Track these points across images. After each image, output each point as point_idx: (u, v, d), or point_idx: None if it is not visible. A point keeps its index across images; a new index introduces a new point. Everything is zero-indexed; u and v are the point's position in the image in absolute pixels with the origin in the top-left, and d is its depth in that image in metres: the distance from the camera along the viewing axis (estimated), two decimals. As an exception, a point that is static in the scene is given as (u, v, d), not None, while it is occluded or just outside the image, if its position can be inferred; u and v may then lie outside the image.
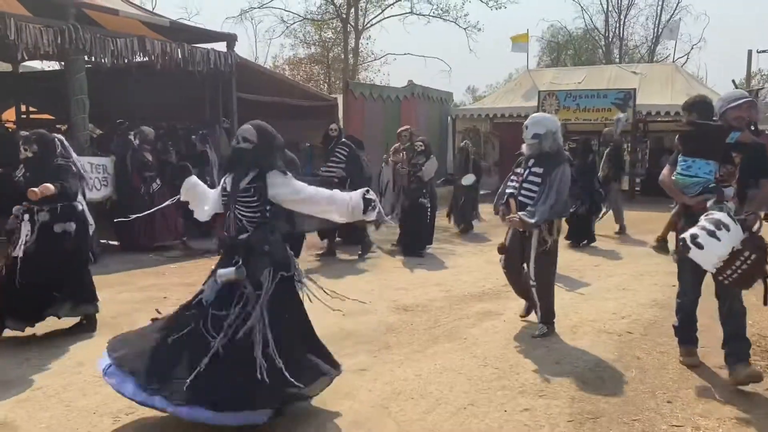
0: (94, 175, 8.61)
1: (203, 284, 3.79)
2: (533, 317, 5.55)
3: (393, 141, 15.33)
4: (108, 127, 12.35)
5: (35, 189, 4.92)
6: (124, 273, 7.78)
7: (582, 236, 9.79)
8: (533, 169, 5.13)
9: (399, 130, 10.54)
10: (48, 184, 4.99)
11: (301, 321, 3.90)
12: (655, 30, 36.71)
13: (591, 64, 29.65)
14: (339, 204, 3.71)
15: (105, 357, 3.59)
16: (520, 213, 5.05)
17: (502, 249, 5.48)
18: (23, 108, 14.81)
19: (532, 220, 4.99)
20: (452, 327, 5.58)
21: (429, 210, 8.95)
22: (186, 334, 3.52)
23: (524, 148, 5.27)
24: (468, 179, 10.95)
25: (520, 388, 4.23)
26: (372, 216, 3.69)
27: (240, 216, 3.70)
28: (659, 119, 16.83)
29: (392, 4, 31.45)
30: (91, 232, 8.02)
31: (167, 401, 3.32)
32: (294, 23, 32.27)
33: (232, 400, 3.34)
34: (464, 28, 31.16)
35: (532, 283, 5.20)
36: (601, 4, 38.12)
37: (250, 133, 3.71)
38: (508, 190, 5.29)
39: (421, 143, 8.98)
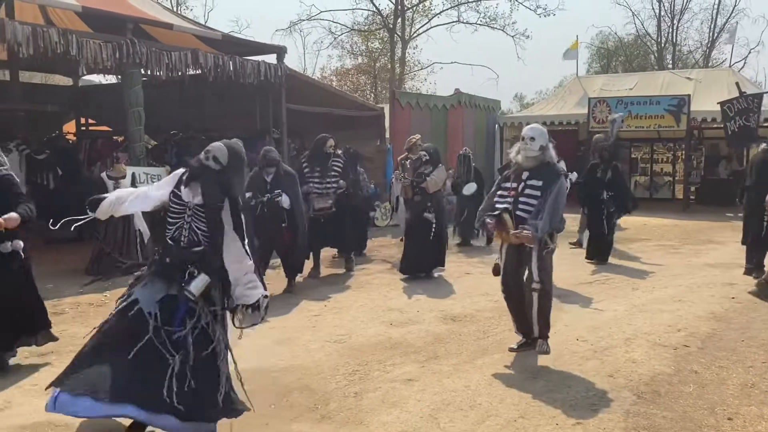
0: (150, 185, 8.85)
1: (128, 291, 3.69)
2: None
3: (441, 150, 15.35)
4: (162, 138, 12.74)
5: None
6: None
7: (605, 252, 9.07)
8: (530, 182, 4.86)
9: (410, 140, 9.45)
10: (12, 215, 4.47)
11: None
12: (711, 34, 35.65)
13: (643, 71, 29.01)
14: (241, 270, 3.57)
15: (52, 395, 3.48)
16: (525, 228, 4.72)
17: (497, 270, 5.09)
18: (83, 120, 15.38)
19: (538, 235, 4.74)
20: (501, 338, 5.51)
21: (434, 226, 7.91)
22: (141, 348, 3.41)
23: (521, 159, 4.94)
24: (469, 188, 10.38)
25: (571, 401, 4.15)
26: (246, 321, 3.65)
27: (196, 229, 3.59)
28: (715, 126, 16.31)
29: (439, 13, 31.51)
30: (146, 240, 8.33)
31: (139, 409, 3.33)
32: (342, 34, 32.66)
33: (200, 411, 3.43)
34: (512, 36, 30.96)
35: (535, 286, 4.89)
36: (653, 9, 37.19)
37: (221, 153, 3.61)
38: (499, 205, 4.92)
39: (425, 152, 8.03)
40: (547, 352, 4.95)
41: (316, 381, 4.52)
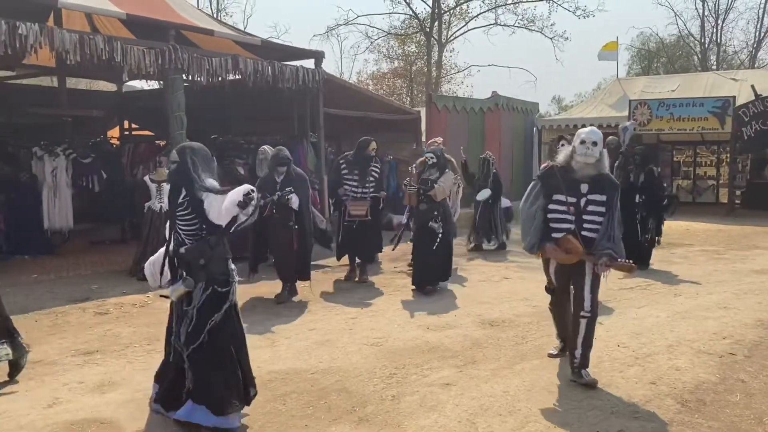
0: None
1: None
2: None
3: (477, 153, 15.27)
4: (203, 142, 12.93)
5: None
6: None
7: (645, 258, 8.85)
8: (592, 197, 4.34)
9: (428, 143, 9.20)
10: None
11: (233, 335, 3.93)
12: (757, 34, 34.70)
13: (685, 72, 28.36)
14: (230, 200, 3.66)
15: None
16: (602, 253, 4.28)
17: (550, 288, 4.83)
18: (126, 125, 15.75)
19: (621, 261, 4.29)
20: (540, 343, 5.44)
21: (440, 236, 7.35)
22: (173, 351, 3.83)
23: (577, 167, 4.38)
24: (483, 194, 10.19)
25: (612, 408, 4.08)
26: (247, 211, 3.65)
27: (179, 230, 3.81)
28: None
29: (476, 16, 31.36)
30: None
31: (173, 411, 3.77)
32: (378, 38, 32.75)
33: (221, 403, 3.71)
34: (550, 38, 30.61)
35: (585, 314, 4.43)
36: (696, 9, 36.46)
37: (173, 155, 3.90)
38: (559, 224, 4.39)
39: (432, 155, 7.45)
40: (595, 383, 4.42)
41: (353, 383, 4.53)
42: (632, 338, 5.55)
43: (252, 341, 5.51)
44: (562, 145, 7.99)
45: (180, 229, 3.80)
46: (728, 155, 16.83)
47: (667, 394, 4.29)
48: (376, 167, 8.08)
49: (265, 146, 8.46)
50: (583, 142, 4.36)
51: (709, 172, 18.69)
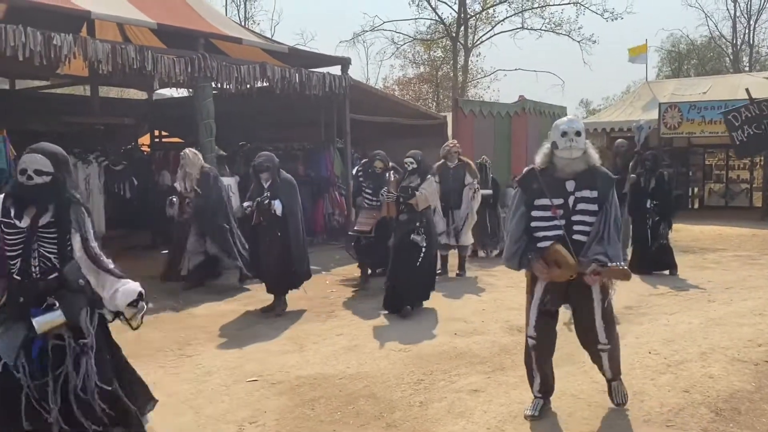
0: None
1: None
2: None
3: (504, 158, 15.19)
4: (231, 149, 13.11)
5: None
6: (247, 286, 8.15)
7: (663, 263, 8.65)
8: (581, 194, 3.69)
9: (447, 148, 8.92)
10: None
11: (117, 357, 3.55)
12: (791, 34, 33.94)
13: (717, 74, 27.87)
14: (99, 278, 3.18)
15: None
16: (595, 260, 3.58)
17: (544, 310, 3.96)
18: (156, 132, 16.01)
19: (621, 266, 3.57)
20: (570, 350, 5.35)
21: (424, 250, 6.61)
22: (27, 408, 3.11)
23: (561, 163, 3.75)
24: (485, 193, 9.76)
25: (644, 416, 4.01)
26: (137, 316, 3.20)
27: (46, 254, 3.18)
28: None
29: (502, 20, 31.26)
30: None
31: None
32: (404, 44, 32.84)
33: None
34: (578, 41, 30.37)
35: (603, 347, 3.87)
36: (727, 9, 35.82)
37: (42, 164, 3.18)
38: (544, 232, 3.73)
39: (411, 159, 6.73)
40: (626, 400, 4.07)
41: (381, 389, 4.54)
42: (664, 345, 5.46)
43: (279, 346, 5.59)
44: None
45: (48, 252, 3.18)
46: (762, 158, 16.48)
47: (701, 402, 4.21)
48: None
49: (186, 150, 7.93)
50: (564, 133, 3.69)
51: (742, 176, 18.32)
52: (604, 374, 4.10)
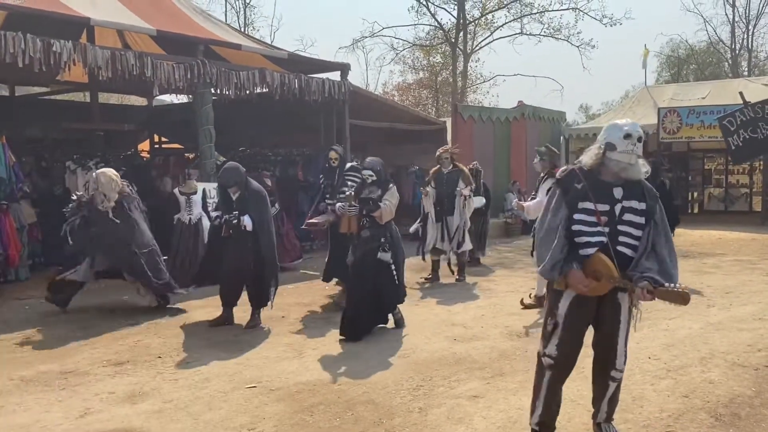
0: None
1: None
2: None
3: (504, 163, 15.22)
4: (231, 155, 13.13)
5: None
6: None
7: None
8: (628, 203, 3.37)
9: (438, 153, 8.86)
10: None
11: None
12: (790, 39, 34.03)
13: (716, 79, 27.93)
14: None
15: None
16: (643, 277, 3.24)
17: (555, 328, 3.52)
18: (156, 138, 16.03)
19: (671, 287, 3.22)
20: (569, 355, 5.37)
21: (393, 268, 6.04)
22: None
23: (620, 167, 3.38)
24: (478, 201, 9.59)
25: (644, 422, 4.00)
26: None
27: None
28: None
29: (501, 26, 31.32)
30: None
31: None
32: (403, 50, 32.89)
33: None
34: (577, 46, 30.42)
35: (615, 375, 3.53)
36: (726, 15, 35.87)
37: None
38: (589, 238, 3.36)
39: (370, 171, 6.11)
40: None
41: (380, 395, 4.52)
42: (664, 350, 5.45)
43: (278, 352, 5.57)
44: (536, 158, 7.33)
45: None
46: (761, 162, 16.49)
47: (701, 407, 4.20)
48: (351, 176, 6.82)
49: (98, 173, 7.20)
50: (628, 135, 3.33)
51: (741, 180, 18.34)
52: (597, 414, 3.67)
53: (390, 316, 6.31)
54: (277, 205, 9.60)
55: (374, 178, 6.12)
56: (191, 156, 12.73)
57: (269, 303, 6.52)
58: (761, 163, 16.59)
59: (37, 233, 9.56)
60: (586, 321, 3.45)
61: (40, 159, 11.06)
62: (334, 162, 7.50)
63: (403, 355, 5.44)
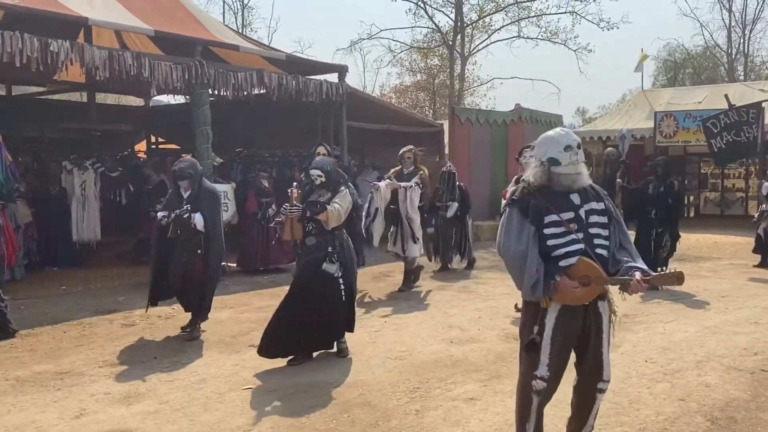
0: (216, 201, 9.09)
1: None
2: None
3: (500, 166, 15.23)
4: (228, 155, 13.14)
5: None
6: (242, 294, 8.15)
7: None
8: (588, 206, 3.33)
9: (401, 152, 8.44)
10: None
11: None
12: (786, 44, 34.20)
13: (712, 83, 28.02)
14: None
15: None
16: (639, 274, 3.19)
17: (533, 347, 3.34)
18: (153, 138, 16.01)
19: (664, 272, 3.33)
20: (565, 358, 5.37)
21: (341, 283, 5.28)
22: None
23: (570, 180, 3.33)
24: (451, 210, 9.37)
25: (640, 425, 4.01)
26: None
27: None
28: (792, 139, 15.54)
29: (499, 29, 31.33)
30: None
31: None
32: (401, 52, 32.90)
33: None
34: (574, 50, 30.45)
35: (603, 386, 3.43)
36: (722, 19, 35.98)
37: None
38: (567, 248, 3.26)
39: (319, 171, 5.32)
40: None
41: (377, 397, 4.52)
42: (660, 353, 5.46)
43: (276, 354, 5.55)
44: (531, 157, 7.37)
45: None
46: (757, 167, 16.54)
47: (697, 411, 4.21)
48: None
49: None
50: (568, 147, 3.30)
51: (737, 185, 18.40)
52: (583, 428, 3.56)
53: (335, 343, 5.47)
54: (273, 206, 9.60)
55: (323, 179, 5.32)
56: (188, 157, 12.71)
57: (207, 315, 6.26)
58: (756, 167, 16.64)
59: (32, 232, 9.54)
60: (574, 335, 3.32)
61: (37, 159, 11.04)
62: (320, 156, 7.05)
63: (399, 357, 5.44)
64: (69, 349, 5.76)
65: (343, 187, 5.41)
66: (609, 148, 10.13)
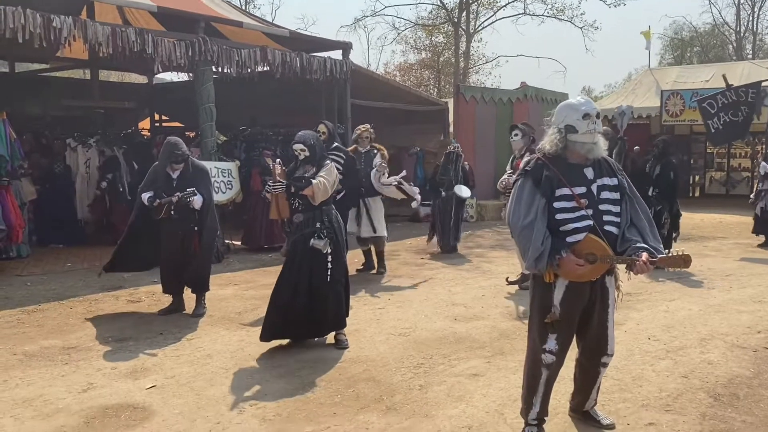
0: (220, 179, 9.10)
1: None
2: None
3: (505, 144, 15.16)
4: (232, 133, 13.10)
5: None
6: (247, 271, 8.19)
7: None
8: (602, 182, 3.31)
9: (359, 131, 8.09)
10: None
11: None
12: (795, 22, 33.79)
13: (720, 61, 27.76)
14: None
15: None
16: (646, 255, 3.17)
17: (553, 321, 3.32)
18: (156, 116, 15.97)
19: (670, 253, 3.29)
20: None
21: (330, 260, 5.03)
22: None
23: (586, 149, 3.31)
24: (464, 192, 9.27)
25: (643, 401, 4.03)
26: None
27: None
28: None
29: (504, 5, 31.01)
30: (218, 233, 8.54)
31: None
32: (405, 29, 32.64)
33: None
34: (580, 27, 30.16)
35: (606, 360, 3.50)
36: (731, -4, 35.54)
37: None
38: (576, 224, 3.25)
39: (302, 145, 5.05)
40: (614, 425, 3.66)
41: (381, 373, 4.55)
42: (663, 331, 5.48)
43: (281, 330, 5.58)
44: (516, 135, 7.13)
45: None
46: (764, 146, 16.43)
47: (699, 387, 4.23)
48: (336, 155, 6.90)
49: None
50: (587, 115, 3.26)
51: (743, 164, 18.31)
52: (586, 402, 3.65)
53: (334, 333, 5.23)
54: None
55: (307, 153, 5.07)
56: (192, 134, 12.70)
57: (208, 288, 6.27)
58: (763, 146, 16.53)
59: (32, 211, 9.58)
60: (579, 309, 3.35)
61: (41, 136, 11.03)
62: (322, 136, 6.89)
63: (403, 334, 5.47)
64: (76, 325, 5.81)
65: (327, 161, 5.18)
66: (604, 127, 10.02)
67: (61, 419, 3.83)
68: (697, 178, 19.06)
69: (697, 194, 18.69)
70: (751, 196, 10.40)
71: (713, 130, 11.34)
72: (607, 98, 21.33)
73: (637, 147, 11.42)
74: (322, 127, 7.20)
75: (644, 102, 17.31)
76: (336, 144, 7.27)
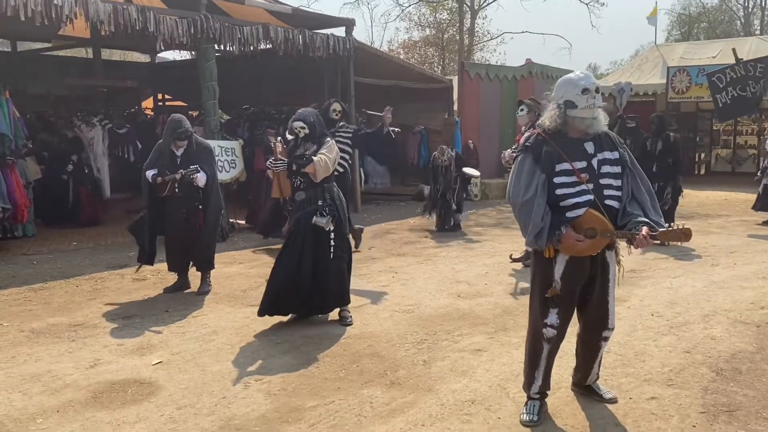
0: (224, 158, 9.10)
1: None
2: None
3: (510, 122, 15.10)
4: (235, 112, 13.07)
5: None
6: (251, 250, 8.22)
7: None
8: (602, 156, 3.30)
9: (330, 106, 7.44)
10: None
11: None
12: (804, -3, 33.31)
13: (727, 37, 27.42)
14: None
15: None
16: (646, 229, 3.16)
17: (554, 296, 3.36)
18: (159, 96, 15.92)
19: (670, 227, 3.35)
20: (572, 311, 5.41)
21: (332, 238, 5.04)
22: None
23: (586, 123, 3.30)
24: (472, 171, 9.34)
25: (645, 375, 4.05)
26: None
27: None
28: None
29: (509, -19, 30.67)
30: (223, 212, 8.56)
31: None
32: (409, 6, 32.33)
33: None
34: (586, 4, 29.84)
35: (607, 334, 3.52)
36: (740, -29, 35.04)
37: None
38: (576, 199, 3.24)
39: (302, 123, 5.03)
40: (616, 399, 3.69)
41: (385, 348, 4.58)
42: (667, 308, 5.49)
43: (285, 307, 5.61)
44: (522, 110, 7.04)
45: None
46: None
47: (702, 362, 4.24)
48: (344, 133, 7.02)
49: None
50: (585, 90, 3.26)
51: (750, 141, 18.18)
52: (588, 377, 3.68)
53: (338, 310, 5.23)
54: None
55: (306, 131, 5.04)
56: (195, 113, 12.67)
57: (213, 266, 6.28)
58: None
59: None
60: (580, 284, 3.36)
61: (45, 115, 11.02)
62: (337, 115, 7.02)
63: (407, 311, 5.49)
64: (82, 303, 5.85)
65: (328, 138, 5.15)
66: (604, 103, 9.95)
67: (69, 394, 3.88)
68: (702, 155, 18.94)
69: (702, 172, 18.59)
70: (759, 173, 10.35)
71: (721, 105, 11.26)
72: (612, 75, 21.14)
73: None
74: (337, 106, 7.12)
75: (650, 79, 17.17)
76: (342, 123, 7.25)
